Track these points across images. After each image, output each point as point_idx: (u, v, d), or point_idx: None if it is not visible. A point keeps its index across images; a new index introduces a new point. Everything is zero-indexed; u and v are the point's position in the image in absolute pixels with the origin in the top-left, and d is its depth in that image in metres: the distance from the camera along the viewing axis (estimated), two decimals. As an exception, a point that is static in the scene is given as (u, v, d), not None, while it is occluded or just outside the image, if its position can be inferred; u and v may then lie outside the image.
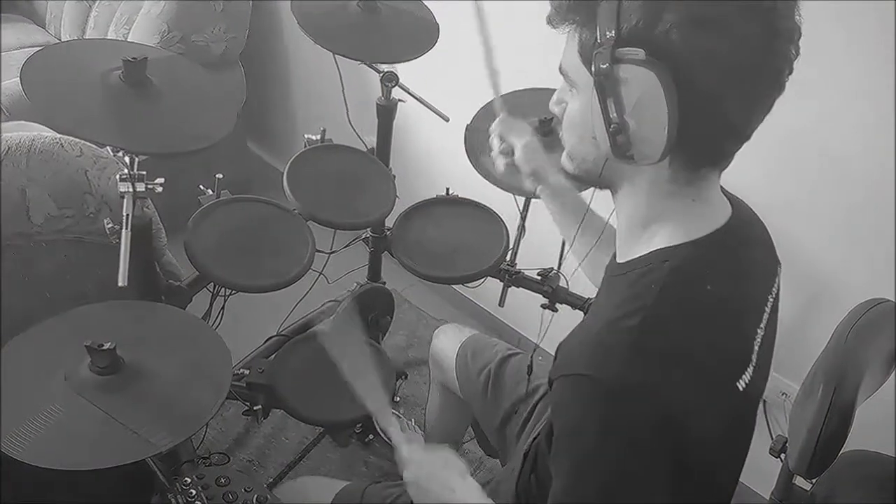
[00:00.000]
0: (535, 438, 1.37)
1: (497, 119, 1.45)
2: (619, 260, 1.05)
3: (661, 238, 0.98)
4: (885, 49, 1.52)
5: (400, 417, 2.19)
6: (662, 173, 0.95)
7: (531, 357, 1.59)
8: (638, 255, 1.00)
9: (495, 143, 1.45)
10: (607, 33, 0.86)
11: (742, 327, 1.00)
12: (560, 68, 0.98)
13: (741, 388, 0.97)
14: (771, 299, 1.08)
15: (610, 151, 0.93)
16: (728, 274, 0.99)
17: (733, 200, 1.05)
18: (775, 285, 1.10)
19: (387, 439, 2.17)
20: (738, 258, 1.02)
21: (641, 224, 1.01)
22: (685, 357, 0.91)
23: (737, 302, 1.00)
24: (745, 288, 1.02)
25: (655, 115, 0.86)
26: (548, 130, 1.67)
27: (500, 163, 1.44)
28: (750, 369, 0.99)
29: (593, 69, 0.88)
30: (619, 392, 0.88)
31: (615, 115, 0.89)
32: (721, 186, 1.05)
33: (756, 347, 1.01)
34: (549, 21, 0.94)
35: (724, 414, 0.97)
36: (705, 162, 0.95)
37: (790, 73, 0.89)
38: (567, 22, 0.93)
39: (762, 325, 1.04)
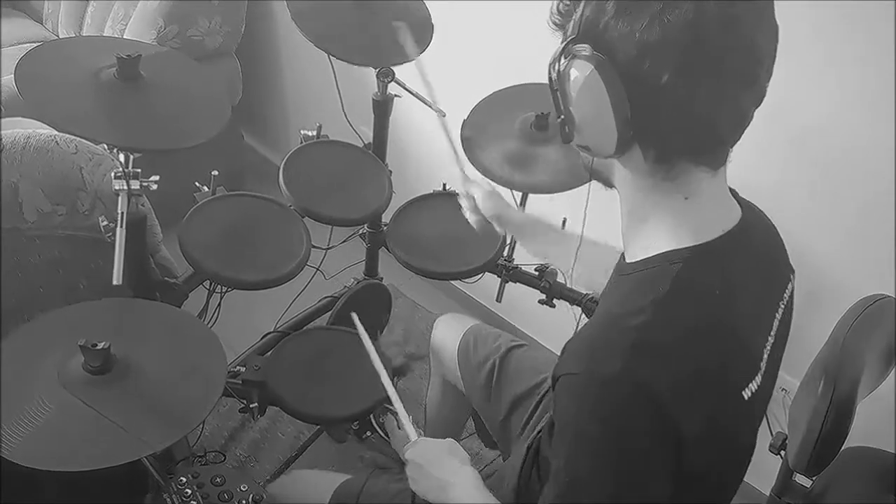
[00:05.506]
0: (539, 432, 1.36)
1: (462, 182, 1.55)
2: (628, 259, 1.03)
3: (665, 239, 0.97)
4: (887, 49, 1.51)
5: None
6: (640, 167, 0.95)
7: None
8: (645, 257, 0.99)
9: (464, 202, 1.54)
10: (571, 33, 0.90)
11: (750, 335, 0.99)
12: None
13: (746, 398, 0.96)
14: (782, 305, 1.07)
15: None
16: (737, 280, 0.97)
17: (744, 205, 1.04)
18: (787, 291, 1.09)
19: (382, 434, 2.17)
20: (749, 264, 1.00)
21: (639, 219, 1.00)
22: (685, 362, 0.90)
23: (745, 309, 0.98)
24: (754, 294, 1.00)
25: (597, 106, 0.89)
26: (543, 125, 1.67)
27: (473, 220, 1.53)
28: (758, 378, 0.99)
29: (553, 67, 0.92)
30: (613, 383, 0.88)
31: (562, 107, 0.94)
32: (734, 190, 1.04)
33: (765, 355, 1.01)
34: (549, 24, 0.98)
35: (725, 421, 0.96)
36: (676, 155, 0.93)
37: (754, 62, 0.87)
38: (555, 26, 0.96)
39: (772, 333, 1.03)
